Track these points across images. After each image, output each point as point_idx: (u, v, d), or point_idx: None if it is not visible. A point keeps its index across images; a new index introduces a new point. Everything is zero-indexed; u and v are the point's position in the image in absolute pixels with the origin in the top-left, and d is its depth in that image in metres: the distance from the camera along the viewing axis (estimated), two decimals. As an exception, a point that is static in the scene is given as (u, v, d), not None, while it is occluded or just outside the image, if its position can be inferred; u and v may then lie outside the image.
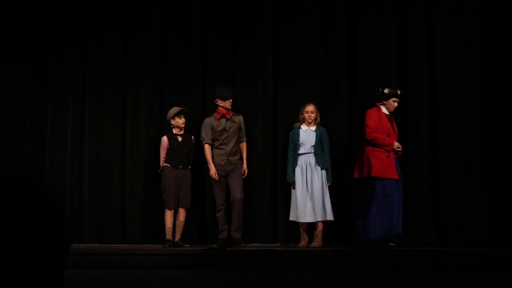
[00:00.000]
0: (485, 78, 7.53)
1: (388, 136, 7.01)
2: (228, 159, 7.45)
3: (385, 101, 7.11)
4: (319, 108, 7.57)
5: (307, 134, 7.45)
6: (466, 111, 7.53)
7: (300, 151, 7.45)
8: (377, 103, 7.16)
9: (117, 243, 8.06)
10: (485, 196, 7.33)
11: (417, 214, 7.50)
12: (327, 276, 5.48)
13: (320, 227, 7.31)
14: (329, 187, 7.39)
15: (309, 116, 7.45)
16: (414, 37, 7.85)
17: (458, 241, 7.15)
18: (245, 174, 7.52)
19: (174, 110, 7.66)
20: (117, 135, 8.45)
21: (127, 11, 8.60)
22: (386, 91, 7.08)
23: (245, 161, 7.56)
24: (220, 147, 7.47)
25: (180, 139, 7.66)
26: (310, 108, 7.47)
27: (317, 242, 7.25)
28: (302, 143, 7.44)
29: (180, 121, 7.65)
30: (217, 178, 7.35)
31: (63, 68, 8.66)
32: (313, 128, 7.47)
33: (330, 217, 7.29)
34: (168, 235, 7.38)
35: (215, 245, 7.26)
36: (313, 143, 7.42)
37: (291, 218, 7.41)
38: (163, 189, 7.52)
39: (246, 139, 7.64)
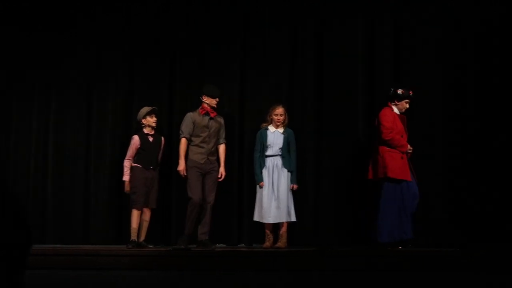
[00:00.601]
0: (451, 77, 7.71)
1: (402, 136, 7.06)
2: (208, 158, 7.35)
3: (398, 101, 7.13)
4: (287, 109, 7.59)
5: (275, 136, 7.47)
6: (431, 113, 7.66)
7: (268, 153, 7.46)
8: (389, 103, 7.17)
9: (79, 243, 7.98)
10: (449, 198, 7.49)
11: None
12: (291, 276, 5.50)
13: (284, 227, 7.35)
14: (296, 189, 7.47)
15: (278, 119, 7.46)
16: (381, 36, 7.98)
17: (423, 242, 7.24)
18: (223, 177, 7.40)
19: (146, 109, 7.60)
20: (82, 135, 8.36)
21: (99, 11, 8.50)
22: (399, 91, 7.08)
23: (222, 164, 7.42)
24: (200, 145, 7.33)
25: (151, 139, 7.60)
26: (280, 110, 7.47)
27: (282, 243, 7.28)
28: (269, 144, 7.45)
29: (151, 120, 7.59)
30: (183, 176, 7.31)
31: (29, 66, 8.53)
32: (281, 130, 7.49)
33: (293, 218, 7.37)
34: (134, 236, 7.33)
35: (178, 243, 7.07)
36: (280, 145, 7.45)
37: (256, 218, 7.41)
38: (133, 190, 7.42)
39: (225, 141, 7.53)
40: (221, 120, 7.50)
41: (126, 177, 7.50)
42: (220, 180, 7.37)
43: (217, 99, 7.41)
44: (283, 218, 7.31)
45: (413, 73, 7.81)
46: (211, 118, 7.38)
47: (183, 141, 7.33)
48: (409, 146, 7.06)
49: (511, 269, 5.74)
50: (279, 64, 8.13)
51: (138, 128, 7.71)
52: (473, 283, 5.11)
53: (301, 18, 8.17)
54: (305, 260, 6.16)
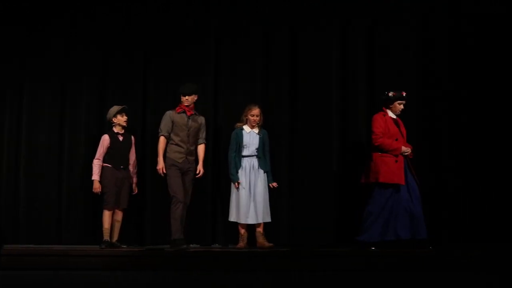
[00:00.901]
0: (423, 85, 7.83)
1: (396, 140, 7.08)
2: (186, 158, 7.33)
3: (391, 104, 7.17)
4: (262, 110, 7.58)
5: (251, 136, 7.48)
6: (409, 115, 7.69)
7: (244, 153, 7.46)
8: (383, 108, 7.22)
9: (53, 243, 7.90)
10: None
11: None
12: (266, 277, 5.50)
13: (261, 228, 7.37)
14: (273, 187, 7.51)
15: (254, 119, 7.46)
16: (355, 38, 8.06)
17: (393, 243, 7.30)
18: (201, 173, 7.40)
19: (116, 108, 7.55)
20: (55, 134, 8.27)
21: (73, 11, 8.42)
22: (390, 94, 7.13)
23: (201, 162, 7.41)
24: (179, 144, 7.32)
25: (121, 138, 7.55)
26: (256, 111, 7.47)
27: (263, 242, 7.28)
28: (246, 145, 7.46)
29: (122, 119, 7.54)
30: (162, 174, 7.26)
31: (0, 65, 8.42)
32: (256, 130, 7.50)
33: (268, 218, 7.41)
34: (106, 236, 7.28)
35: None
36: (257, 145, 7.47)
37: (233, 219, 7.41)
38: (104, 190, 7.37)
39: (205, 142, 7.52)
40: (202, 120, 7.49)
41: (95, 176, 7.41)
42: (198, 176, 7.36)
43: (192, 97, 7.38)
44: (260, 219, 7.33)
45: (388, 72, 7.91)
46: (189, 117, 7.36)
47: (162, 139, 7.32)
48: (404, 148, 7.07)
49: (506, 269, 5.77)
50: (253, 63, 8.13)
51: (108, 128, 7.65)
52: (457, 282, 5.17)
53: (274, 18, 8.19)
54: (283, 260, 6.15)
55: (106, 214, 7.34)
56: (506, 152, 7.64)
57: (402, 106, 7.18)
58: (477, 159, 7.69)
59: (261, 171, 7.44)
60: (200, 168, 7.40)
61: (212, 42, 8.21)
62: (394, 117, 7.21)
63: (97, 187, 7.39)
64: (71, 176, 8.16)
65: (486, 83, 7.75)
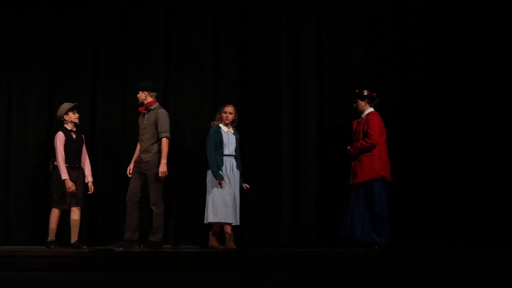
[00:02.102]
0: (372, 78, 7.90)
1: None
2: (141, 157, 7.25)
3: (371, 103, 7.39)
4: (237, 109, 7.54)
5: (229, 136, 7.39)
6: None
7: (225, 152, 7.36)
8: (371, 105, 7.36)
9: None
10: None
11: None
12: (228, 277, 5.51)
13: (230, 229, 7.26)
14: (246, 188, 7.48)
15: (226, 117, 7.37)
16: (304, 36, 8.11)
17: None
18: (161, 175, 7.15)
19: (67, 105, 7.37)
20: (2, 133, 8.15)
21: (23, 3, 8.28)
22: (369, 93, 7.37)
23: (162, 160, 7.15)
24: (140, 143, 7.35)
25: (74, 136, 7.39)
26: (229, 109, 7.41)
27: (233, 243, 7.20)
28: (225, 144, 7.34)
29: (74, 116, 7.37)
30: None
31: None
32: (232, 130, 7.43)
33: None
34: (53, 236, 7.18)
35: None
36: (234, 146, 7.40)
37: (219, 219, 7.17)
38: (58, 189, 7.19)
39: (164, 135, 7.19)
40: (157, 113, 7.27)
41: (65, 176, 7.18)
42: (161, 177, 7.17)
43: (139, 93, 7.33)
44: (238, 221, 7.31)
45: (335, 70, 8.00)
46: (143, 114, 7.33)
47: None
48: (348, 147, 7.32)
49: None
50: (203, 59, 8.14)
51: (59, 125, 7.46)
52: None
53: (223, 13, 8.21)
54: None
55: (56, 213, 7.22)
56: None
57: (355, 105, 7.40)
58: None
59: (238, 172, 7.38)
60: (160, 169, 7.16)
61: (161, 39, 8.19)
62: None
63: (70, 185, 7.16)
64: (19, 174, 8.04)
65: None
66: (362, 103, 7.37)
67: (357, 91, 7.37)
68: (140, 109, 7.35)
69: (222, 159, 7.28)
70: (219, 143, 7.29)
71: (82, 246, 7.21)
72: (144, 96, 7.33)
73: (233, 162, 7.37)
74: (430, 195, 7.54)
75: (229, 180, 7.25)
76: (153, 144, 7.22)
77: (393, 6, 8.02)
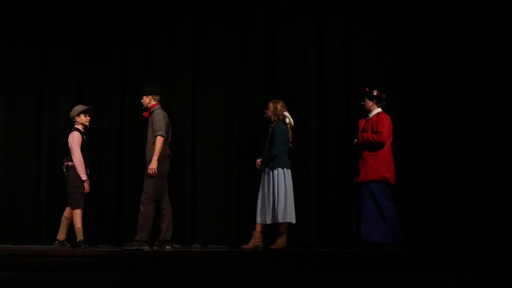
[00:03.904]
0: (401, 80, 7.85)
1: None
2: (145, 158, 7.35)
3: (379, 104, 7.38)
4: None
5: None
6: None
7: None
8: (379, 105, 7.36)
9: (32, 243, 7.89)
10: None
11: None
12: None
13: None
14: None
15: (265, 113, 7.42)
16: (331, 38, 8.03)
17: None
18: (150, 171, 7.13)
19: (80, 107, 7.51)
20: (31, 135, 8.28)
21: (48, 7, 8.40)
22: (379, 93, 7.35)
23: (153, 157, 7.13)
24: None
25: (85, 137, 7.52)
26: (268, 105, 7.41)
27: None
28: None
29: (85, 119, 7.49)
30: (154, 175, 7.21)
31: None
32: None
33: None
34: (81, 236, 7.28)
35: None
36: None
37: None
38: (77, 189, 7.34)
39: (158, 133, 7.18)
40: (153, 114, 7.31)
41: (85, 176, 7.38)
42: (151, 175, 7.14)
43: (143, 98, 7.40)
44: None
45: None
46: (147, 118, 7.41)
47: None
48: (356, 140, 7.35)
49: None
50: (229, 63, 8.13)
51: (72, 126, 7.55)
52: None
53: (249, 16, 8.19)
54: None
55: (79, 214, 7.32)
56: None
57: (363, 103, 7.41)
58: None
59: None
60: (150, 165, 7.17)
61: (189, 41, 8.19)
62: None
63: (88, 187, 7.38)
64: (50, 175, 8.14)
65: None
66: (370, 103, 7.34)
67: (367, 89, 7.35)
68: (144, 114, 7.42)
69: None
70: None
71: (68, 244, 7.37)
72: (149, 100, 7.39)
73: None
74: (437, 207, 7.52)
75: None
76: (153, 144, 7.24)
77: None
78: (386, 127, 7.13)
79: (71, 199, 7.38)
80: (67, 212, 7.42)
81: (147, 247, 7.09)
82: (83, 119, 7.49)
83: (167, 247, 7.18)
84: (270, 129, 7.29)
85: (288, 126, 7.27)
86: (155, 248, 7.16)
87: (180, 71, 8.15)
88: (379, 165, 7.10)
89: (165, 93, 7.73)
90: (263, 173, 7.22)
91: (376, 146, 7.13)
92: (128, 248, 6.93)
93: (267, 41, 8.11)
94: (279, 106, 7.27)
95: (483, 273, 5.37)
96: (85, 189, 7.38)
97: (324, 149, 7.88)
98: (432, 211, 7.45)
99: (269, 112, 7.30)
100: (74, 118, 7.49)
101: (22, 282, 5.29)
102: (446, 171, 7.61)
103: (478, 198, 7.41)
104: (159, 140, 7.17)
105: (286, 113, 7.29)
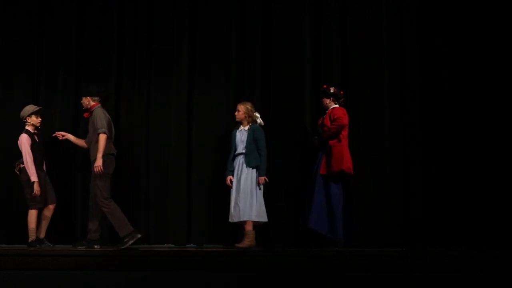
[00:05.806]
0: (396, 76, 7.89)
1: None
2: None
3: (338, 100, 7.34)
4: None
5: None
6: (380, 111, 7.81)
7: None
8: (336, 101, 7.32)
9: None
10: (393, 200, 7.61)
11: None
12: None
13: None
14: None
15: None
16: (327, 35, 8.06)
17: (368, 242, 7.35)
18: (96, 169, 7.04)
19: (32, 107, 7.40)
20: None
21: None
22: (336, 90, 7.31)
23: (98, 155, 7.06)
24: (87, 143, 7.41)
25: (37, 138, 7.41)
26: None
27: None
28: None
29: (36, 120, 7.38)
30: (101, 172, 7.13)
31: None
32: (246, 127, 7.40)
33: None
34: (33, 236, 7.20)
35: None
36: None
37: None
38: (31, 190, 7.18)
39: (101, 131, 7.11)
40: (94, 112, 7.26)
41: (35, 178, 7.20)
42: (97, 173, 7.08)
43: (82, 99, 7.41)
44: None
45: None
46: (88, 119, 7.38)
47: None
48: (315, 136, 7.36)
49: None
50: (228, 63, 8.12)
51: (22, 127, 7.42)
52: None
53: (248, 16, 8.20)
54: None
55: (34, 214, 7.24)
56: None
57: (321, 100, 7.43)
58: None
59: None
60: (96, 163, 7.10)
61: (185, 42, 8.17)
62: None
63: (38, 188, 7.20)
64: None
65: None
66: (327, 100, 7.34)
67: (324, 86, 7.33)
68: (84, 114, 7.39)
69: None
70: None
71: (48, 243, 7.31)
72: (87, 102, 7.35)
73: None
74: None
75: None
76: (96, 143, 7.16)
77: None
78: (340, 116, 7.11)
79: (27, 200, 7.29)
80: (47, 211, 7.36)
81: (138, 235, 7.00)
82: (34, 120, 7.38)
83: (96, 246, 7.15)
84: (246, 131, 7.28)
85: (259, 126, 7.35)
86: (83, 247, 7.08)
87: (177, 70, 8.12)
88: (336, 158, 7.06)
89: (162, 95, 7.80)
90: (237, 172, 7.23)
91: (337, 134, 7.10)
92: (123, 247, 6.90)
93: (263, 41, 8.12)
94: (250, 107, 7.33)
95: (483, 273, 5.39)
96: (35, 191, 7.18)
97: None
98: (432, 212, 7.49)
99: (241, 114, 7.34)
100: (25, 119, 7.37)
101: (17, 282, 5.27)
102: (446, 171, 7.65)
103: (478, 198, 7.51)
104: (102, 138, 7.11)
105: (257, 114, 7.36)
